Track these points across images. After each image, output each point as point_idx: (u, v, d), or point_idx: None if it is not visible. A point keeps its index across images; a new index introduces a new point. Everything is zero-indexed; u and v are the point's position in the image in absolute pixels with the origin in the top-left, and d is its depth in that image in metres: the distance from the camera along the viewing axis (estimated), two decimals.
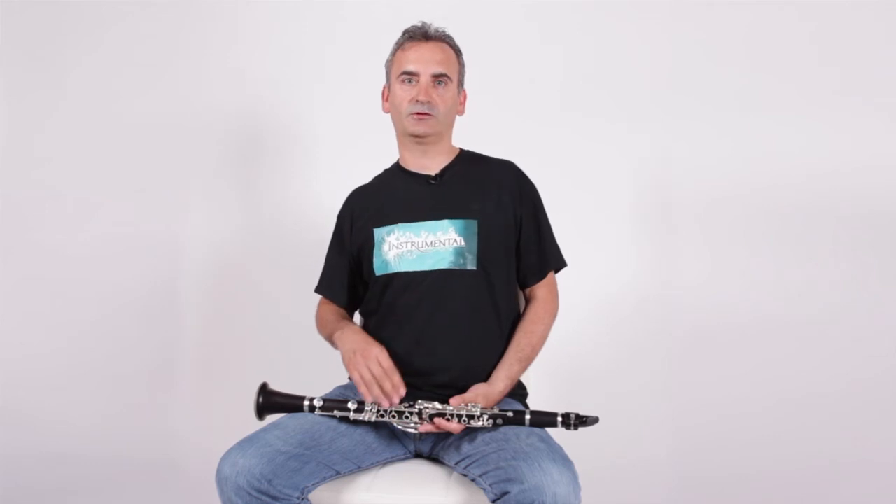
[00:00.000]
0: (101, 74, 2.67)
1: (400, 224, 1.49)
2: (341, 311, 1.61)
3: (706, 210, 2.49)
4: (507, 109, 2.44)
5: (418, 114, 1.48)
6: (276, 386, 1.38)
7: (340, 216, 1.62)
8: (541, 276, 1.55)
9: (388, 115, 1.60)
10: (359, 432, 1.38)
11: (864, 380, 2.40)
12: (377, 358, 1.35)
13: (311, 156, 2.60)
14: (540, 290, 1.55)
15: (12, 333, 2.66)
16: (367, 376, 1.33)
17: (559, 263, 1.58)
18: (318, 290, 1.64)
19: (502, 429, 1.30)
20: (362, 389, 1.33)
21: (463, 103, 1.61)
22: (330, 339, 1.52)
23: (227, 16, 2.65)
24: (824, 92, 2.46)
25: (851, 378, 2.40)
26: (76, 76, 2.69)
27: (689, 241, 2.50)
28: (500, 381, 1.42)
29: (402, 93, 1.50)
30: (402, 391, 1.33)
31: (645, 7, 2.52)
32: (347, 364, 1.39)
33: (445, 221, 1.47)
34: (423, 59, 1.49)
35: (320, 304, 1.64)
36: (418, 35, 1.52)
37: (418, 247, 1.47)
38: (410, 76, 1.50)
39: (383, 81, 1.61)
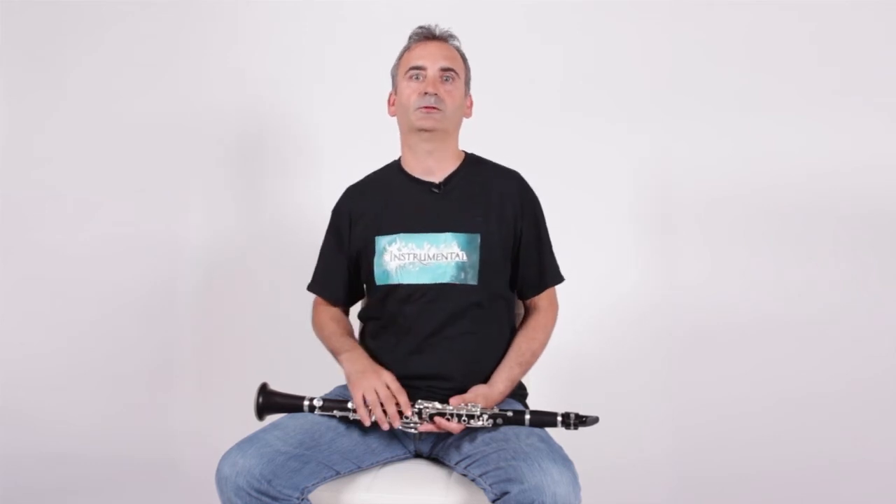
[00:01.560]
0: (101, 74, 2.67)
1: (402, 234, 1.48)
2: (344, 320, 1.60)
3: (706, 210, 2.49)
4: (507, 109, 2.44)
5: (426, 108, 1.47)
6: (276, 386, 1.38)
7: (337, 213, 1.60)
8: (540, 290, 1.55)
9: (389, 116, 1.60)
10: (359, 432, 1.38)
11: (864, 380, 2.40)
12: (386, 381, 1.35)
13: (311, 156, 2.60)
14: (541, 300, 1.56)
15: (12, 333, 2.66)
16: (372, 397, 1.32)
17: (557, 279, 1.58)
18: (311, 288, 1.62)
19: (502, 429, 1.30)
20: (362, 412, 1.32)
21: (470, 107, 1.60)
22: (334, 351, 1.51)
23: (227, 16, 2.64)
24: (824, 92, 2.46)
25: (851, 378, 2.40)
26: (76, 76, 2.69)
27: (689, 241, 2.50)
28: (499, 383, 1.42)
29: (410, 88, 1.49)
30: (408, 411, 1.32)
31: (645, 7, 2.52)
32: (354, 383, 1.37)
33: (448, 234, 1.47)
34: (431, 55, 1.50)
35: (318, 306, 1.62)
36: (425, 34, 1.53)
37: (420, 259, 1.46)
38: (418, 71, 1.49)
39: (384, 81, 1.61)
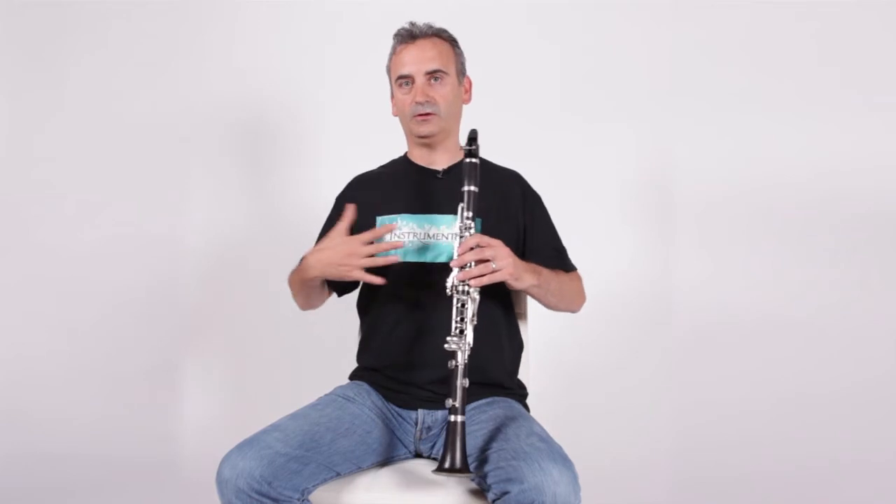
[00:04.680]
0: (101, 74, 2.68)
1: (404, 214, 1.51)
2: None
3: (706, 210, 2.50)
4: (507, 109, 2.44)
5: (421, 115, 1.50)
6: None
7: (341, 200, 1.62)
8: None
9: (392, 116, 1.61)
10: (359, 433, 1.37)
11: (864, 380, 2.40)
12: (335, 242, 1.37)
13: (312, 155, 2.60)
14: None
15: (12, 333, 2.66)
16: (357, 261, 1.34)
17: (571, 266, 1.58)
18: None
19: (502, 428, 1.29)
20: (362, 275, 1.34)
21: (468, 91, 1.61)
22: (299, 280, 1.51)
23: (227, 16, 2.65)
24: (824, 92, 2.46)
25: (851, 378, 2.40)
26: (76, 76, 2.69)
27: (689, 241, 2.50)
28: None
29: (403, 97, 1.53)
30: (383, 232, 1.37)
31: (645, 7, 2.52)
32: (323, 270, 1.39)
33: (450, 217, 1.48)
34: (414, 60, 1.51)
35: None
36: (406, 37, 1.54)
37: (421, 238, 1.48)
38: (406, 79, 1.52)
39: (383, 80, 1.62)
